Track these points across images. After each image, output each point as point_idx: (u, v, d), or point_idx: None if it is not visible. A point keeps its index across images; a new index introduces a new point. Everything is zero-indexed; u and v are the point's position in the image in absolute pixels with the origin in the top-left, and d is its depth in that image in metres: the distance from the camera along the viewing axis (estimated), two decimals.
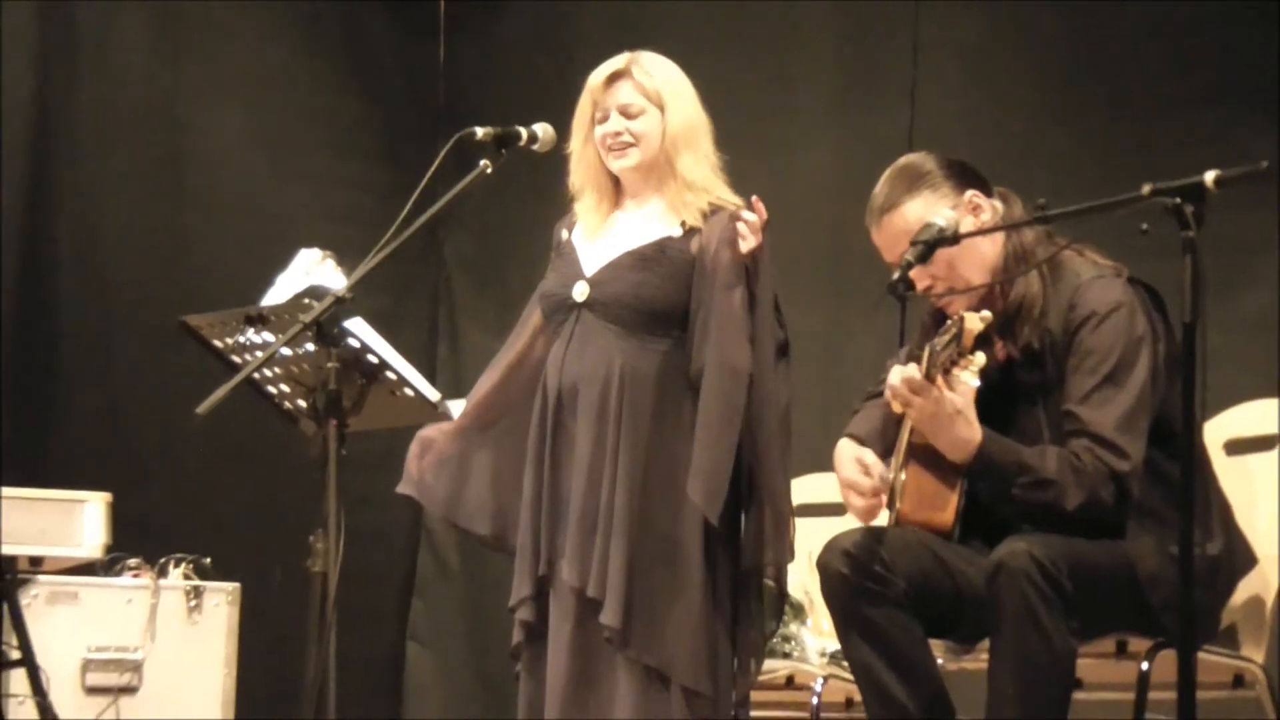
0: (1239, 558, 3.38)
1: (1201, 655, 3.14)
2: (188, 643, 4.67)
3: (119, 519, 4.60)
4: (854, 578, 3.28)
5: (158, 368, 5.48)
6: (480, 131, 3.55)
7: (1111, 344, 3.29)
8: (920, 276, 3.35)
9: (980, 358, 3.20)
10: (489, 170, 3.53)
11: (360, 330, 3.48)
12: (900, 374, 3.24)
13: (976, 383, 3.20)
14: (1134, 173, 2.87)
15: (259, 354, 3.48)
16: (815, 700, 3.96)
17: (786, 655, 4.06)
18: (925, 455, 3.33)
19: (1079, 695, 3.27)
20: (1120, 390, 3.27)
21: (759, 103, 5.48)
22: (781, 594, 3.54)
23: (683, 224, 3.56)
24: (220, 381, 3.34)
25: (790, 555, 3.52)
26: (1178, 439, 2.92)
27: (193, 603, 4.71)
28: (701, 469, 3.42)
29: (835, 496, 3.66)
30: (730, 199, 3.55)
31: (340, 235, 5.06)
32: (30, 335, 5.47)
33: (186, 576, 4.74)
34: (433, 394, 3.60)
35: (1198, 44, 4.80)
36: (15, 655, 4.38)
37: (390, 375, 3.54)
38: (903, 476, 3.39)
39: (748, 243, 3.43)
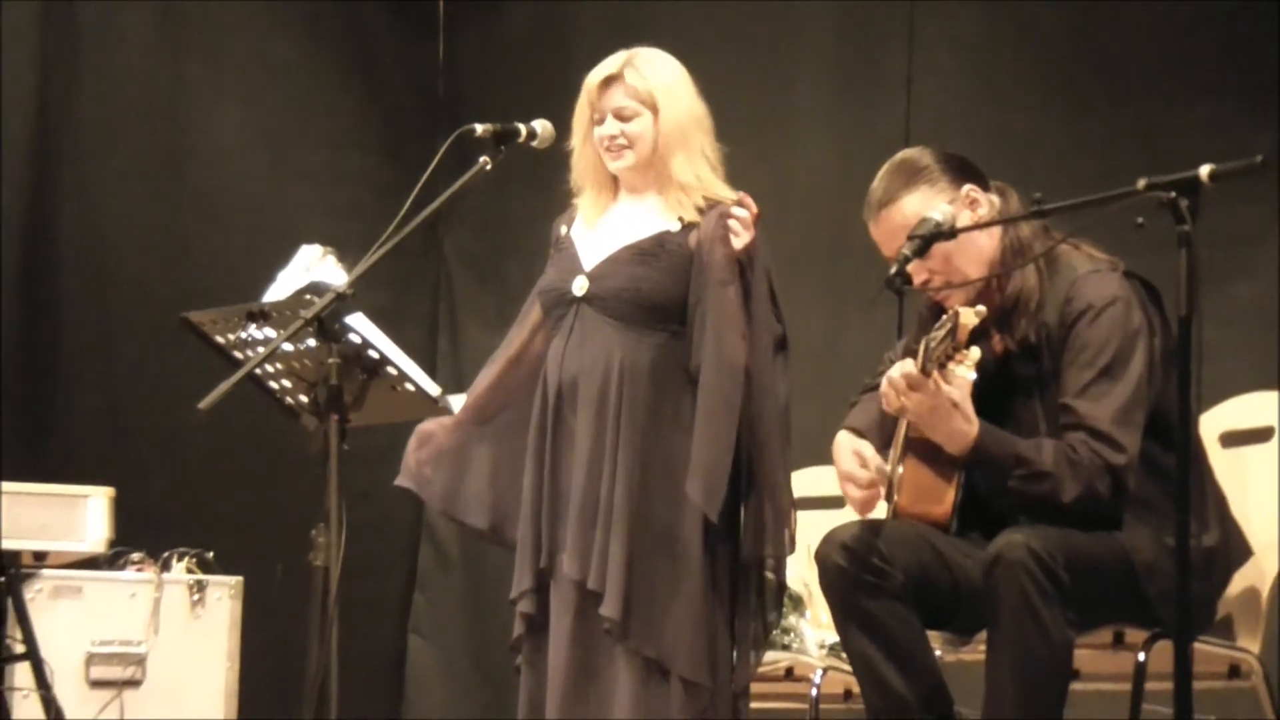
0: (1235, 549, 3.39)
1: (1198, 646, 3.14)
2: (191, 636, 4.69)
3: (122, 514, 4.62)
4: (852, 570, 3.29)
5: (159, 363, 5.49)
6: (480, 128, 3.56)
7: (1108, 338, 3.30)
8: (918, 271, 3.36)
9: (975, 352, 3.21)
10: (489, 167, 3.54)
11: (361, 326, 3.49)
12: (898, 369, 3.25)
13: (973, 376, 3.22)
14: (1132, 167, 2.88)
15: (260, 350, 3.48)
16: (814, 692, 3.97)
17: (786, 647, 4.07)
18: (923, 449, 3.34)
19: (1076, 686, 3.27)
20: (1116, 384, 3.28)
21: (757, 99, 5.49)
22: (781, 586, 3.56)
23: (680, 219, 3.58)
24: (222, 377, 3.34)
25: (791, 548, 3.54)
26: (1174, 431, 2.93)
27: (195, 597, 4.72)
28: (700, 467, 3.44)
29: (834, 489, 3.67)
30: (725, 194, 3.56)
31: (341, 231, 5.06)
32: (32, 332, 5.48)
33: (189, 571, 4.75)
34: (434, 389, 3.61)
35: (1196, 38, 4.80)
36: (20, 649, 4.39)
37: (391, 370, 3.54)
38: (900, 470, 3.40)
39: (740, 239, 3.45)
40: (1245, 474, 3.56)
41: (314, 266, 3.63)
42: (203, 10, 5.88)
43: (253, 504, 5.56)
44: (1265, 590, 3.48)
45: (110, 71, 5.69)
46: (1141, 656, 3.27)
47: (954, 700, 3.36)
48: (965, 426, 3.25)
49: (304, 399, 3.57)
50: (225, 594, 4.75)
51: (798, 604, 4.12)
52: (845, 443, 3.51)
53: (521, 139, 3.60)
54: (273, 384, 3.64)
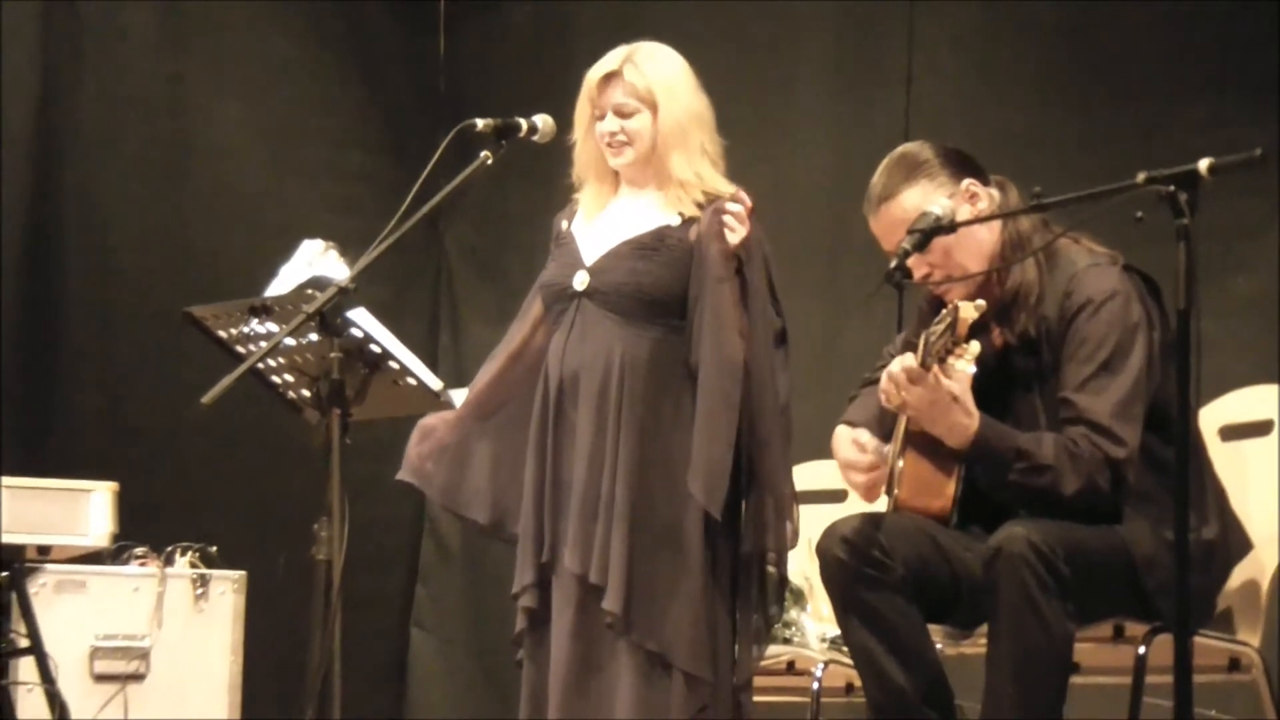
0: (1234, 543, 3.39)
1: (1198, 639, 3.15)
2: (194, 630, 4.69)
3: (125, 508, 4.63)
4: (853, 563, 3.30)
5: (162, 358, 5.50)
6: (481, 123, 3.57)
7: (1107, 331, 3.31)
8: (918, 265, 3.37)
9: (975, 346, 3.22)
10: (489, 161, 3.55)
11: (363, 320, 3.50)
12: (899, 364, 3.26)
13: (973, 370, 3.23)
14: (1131, 164, 2.88)
15: (263, 344, 3.49)
16: (816, 685, 3.97)
17: (787, 641, 4.07)
18: (923, 443, 3.35)
19: (1076, 679, 3.27)
20: (1116, 377, 3.29)
21: (757, 98, 5.49)
22: (783, 580, 3.57)
23: (680, 214, 3.59)
24: (224, 371, 3.35)
25: (793, 542, 3.55)
26: (1173, 425, 2.94)
27: (199, 591, 4.73)
28: (701, 464, 3.44)
29: (834, 483, 3.69)
30: (725, 189, 3.57)
31: (342, 228, 5.06)
32: (35, 327, 5.49)
33: (193, 565, 4.76)
34: (435, 383, 3.62)
35: (1195, 36, 4.80)
36: (24, 643, 4.40)
37: (393, 365, 3.55)
38: (900, 464, 3.41)
39: (736, 234, 3.46)
40: (1245, 468, 3.56)
41: (316, 261, 3.64)
42: (204, 8, 5.89)
43: (255, 498, 5.58)
44: (1265, 584, 3.48)
45: (111, 69, 5.70)
46: (1142, 650, 3.27)
47: (955, 693, 3.37)
48: (965, 420, 3.26)
49: (306, 393, 3.58)
50: (228, 588, 4.76)
51: (799, 598, 4.12)
52: (844, 434, 3.52)
53: (522, 134, 3.61)
54: (275, 378, 3.65)
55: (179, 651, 4.67)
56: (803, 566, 4.00)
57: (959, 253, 3.40)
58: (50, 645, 4.40)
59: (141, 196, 5.74)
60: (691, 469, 3.45)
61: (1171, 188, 2.77)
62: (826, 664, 3.99)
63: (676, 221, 3.58)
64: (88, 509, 4.56)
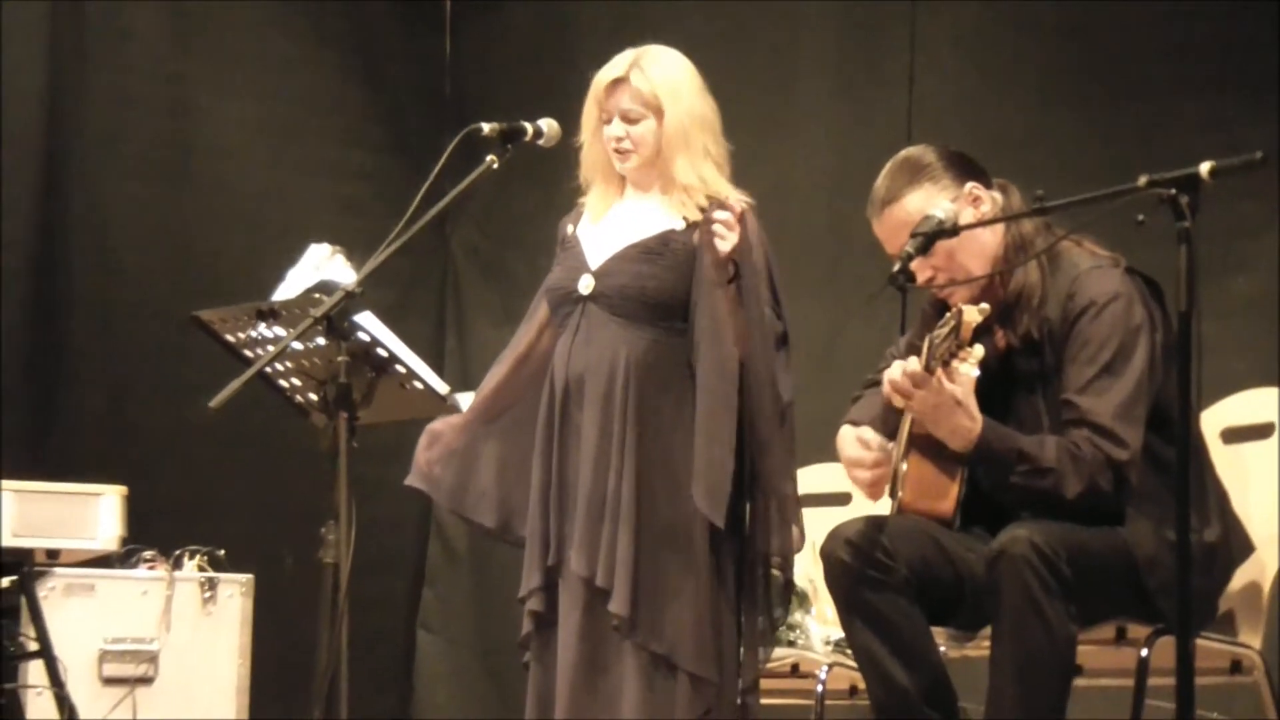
0: (1236, 545, 3.40)
1: (1200, 641, 3.16)
2: (202, 633, 4.71)
3: (134, 512, 4.65)
4: (856, 565, 3.31)
5: (167, 358, 5.52)
6: (486, 127, 3.58)
7: (1109, 333, 3.32)
8: (921, 268, 3.38)
9: (979, 350, 3.23)
10: (495, 165, 3.56)
11: (370, 324, 3.52)
12: (901, 367, 3.28)
13: (976, 373, 3.24)
14: (1132, 163, 2.90)
15: (270, 348, 3.50)
16: (820, 688, 3.97)
17: (791, 643, 4.08)
18: (926, 445, 3.36)
19: (1079, 681, 3.28)
20: (1118, 379, 3.29)
21: (759, 98, 5.50)
22: (788, 583, 3.58)
23: (684, 218, 3.61)
24: (229, 372, 3.37)
25: (798, 545, 3.56)
26: (1175, 427, 2.95)
27: (207, 594, 4.75)
28: (702, 473, 3.45)
29: (839, 485, 3.69)
30: (728, 192, 3.58)
31: (346, 228, 5.11)
32: (40, 329, 5.49)
33: (201, 568, 4.77)
34: (442, 386, 3.63)
35: (1196, 35, 4.81)
36: (33, 646, 4.41)
37: (399, 368, 3.57)
38: (904, 466, 3.42)
39: (725, 241, 3.46)
40: (1246, 470, 3.57)
41: (323, 265, 3.65)
42: (208, 9, 5.90)
43: (263, 502, 5.58)
44: (1266, 586, 3.49)
45: (116, 69, 5.70)
46: (1144, 652, 3.28)
47: (958, 695, 3.39)
48: (968, 423, 3.27)
49: (313, 397, 3.59)
50: (236, 591, 4.78)
51: (803, 600, 4.13)
52: (848, 432, 3.53)
53: (527, 138, 3.62)
54: (282, 382, 3.66)
55: (187, 654, 4.68)
56: (807, 569, 4.01)
57: (962, 255, 3.41)
58: (59, 648, 4.42)
59: (145, 196, 5.75)
60: (694, 477, 3.47)
61: (1173, 191, 2.78)
62: (831, 666, 4.00)
63: (681, 225, 3.60)
64: (96, 513, 4.57)
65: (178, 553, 4.79)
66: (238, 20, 5.98)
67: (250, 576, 4.81)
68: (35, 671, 4.46)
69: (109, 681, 4.61)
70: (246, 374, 3.36)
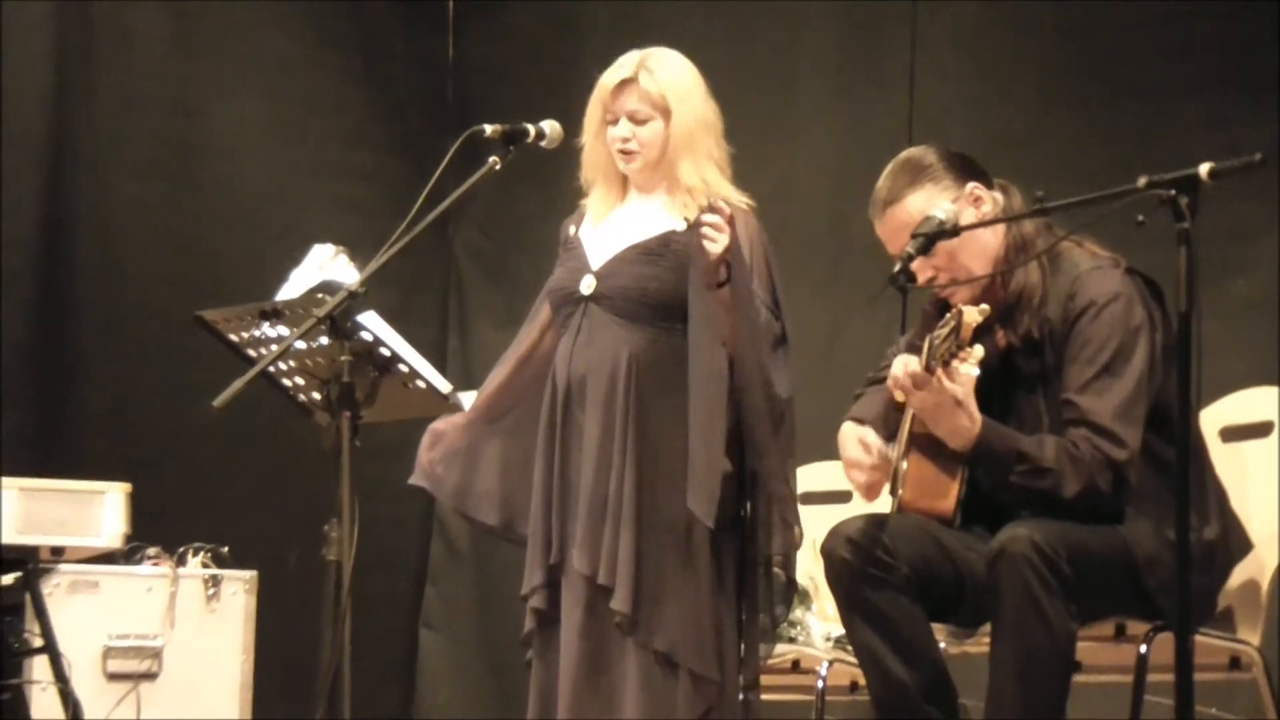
0: (1235, 543, 3.41)
1: (1199, 638, 3.16)
2: (206, 630, 4.73)
3: (138, 509, 4.66)
4: (857, 563, 3.32)
5: (171, 357, 5.53)
6: (489, 129, 3.59)
7: (1109, 334, 3.33)
8: (922, 268, 3.39)
9: (979, 350, 3.24)
10: (498, 167, 3.57)
11: (373, 324, 3.53)
12: (902, 367, 3.29)
13: (976, 373, 3.25)
14: (1132, 163, 2.91)
15: (274, 348, 3.52)
16: (820, 684, 3.98)
17: (792, 640, 4.09)
18: (926, 444, 3.37)
19: (1078, 678, 3.29)
20: (1118, 380, 3.30)
21: (760, 97, 5.51)
22: (790, 581, 3.59)
23: (686, 219, 3.61)
24: (233, 371, 3.38)
25: (798, 543, 3.58)
26: (1175, 426, 2.97)
27: (211, 591, 4.76)
28: (693, 477, 3.46)
29: (839, 484, 3.70)
30: (731, 194, 3.59)
31: (349, 228, 5.12)
32: (45, 328, 5.51)
33: (205, 565, 4.79)
34: (445, 386, 3.65)
35: (1197, 32, 4.81)
36: (38, 643, 4.44)
37: (403, 368, 3.58)
38: (904, 465, 3.43)
39: (716, 244, 3.47)
40: (1245, 469, 3.57)
41: (327, 265, 3.67)
42: (212, 10, 5.91)
43: (266, 500, 5.60)
44: (1265, 583, 3.50)
45: (120, 70, 5.72)
46: (1143, 649, 3.29)
47: (958, 691, 3.40)
48: (968, 423, 3.28)
49: (316, 396, 3.61)
50: (240, 588, 4.79)
51: (804, 597, 4.14)
52: (850, 431, 3.54)
53: (530, 139, 3.62)
54: (286, 381, 3.67)
55: (191, 651, 4.70)
56: (808, 566, 4.02)
57: (963, 256, 3.42)
58: (64, 645, 4.44)
59: (148, 196, 5.76)
60: (689, 482, 3.48)
61: (1173, 192, 2.80)
62: (831, 663, 4.01)
63: (682, 227, 3.60)
64: (101, 510, 4.59)
65: (182, 550, 4.80)
66: (241, 21, 6.00)
67: (254, 574, 4.82)
68: (40, 667, 4.47)
69: (113, 678, 4.62)
70: (250, 373, 3.38)
